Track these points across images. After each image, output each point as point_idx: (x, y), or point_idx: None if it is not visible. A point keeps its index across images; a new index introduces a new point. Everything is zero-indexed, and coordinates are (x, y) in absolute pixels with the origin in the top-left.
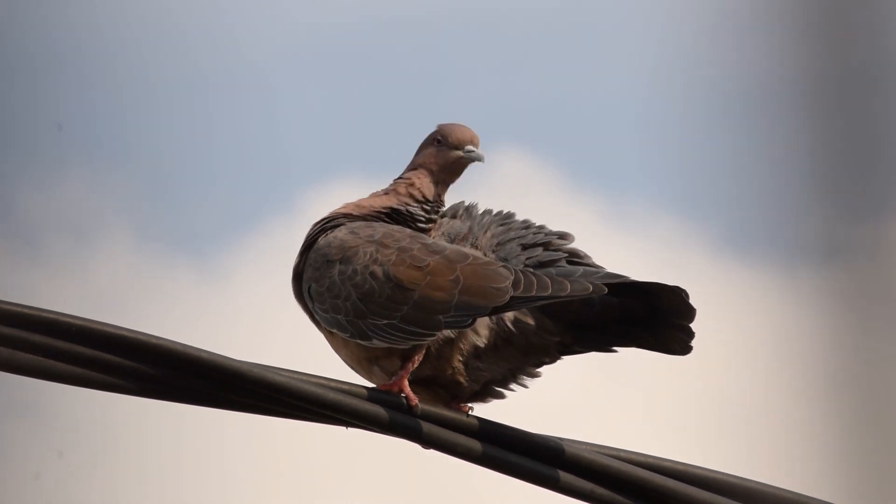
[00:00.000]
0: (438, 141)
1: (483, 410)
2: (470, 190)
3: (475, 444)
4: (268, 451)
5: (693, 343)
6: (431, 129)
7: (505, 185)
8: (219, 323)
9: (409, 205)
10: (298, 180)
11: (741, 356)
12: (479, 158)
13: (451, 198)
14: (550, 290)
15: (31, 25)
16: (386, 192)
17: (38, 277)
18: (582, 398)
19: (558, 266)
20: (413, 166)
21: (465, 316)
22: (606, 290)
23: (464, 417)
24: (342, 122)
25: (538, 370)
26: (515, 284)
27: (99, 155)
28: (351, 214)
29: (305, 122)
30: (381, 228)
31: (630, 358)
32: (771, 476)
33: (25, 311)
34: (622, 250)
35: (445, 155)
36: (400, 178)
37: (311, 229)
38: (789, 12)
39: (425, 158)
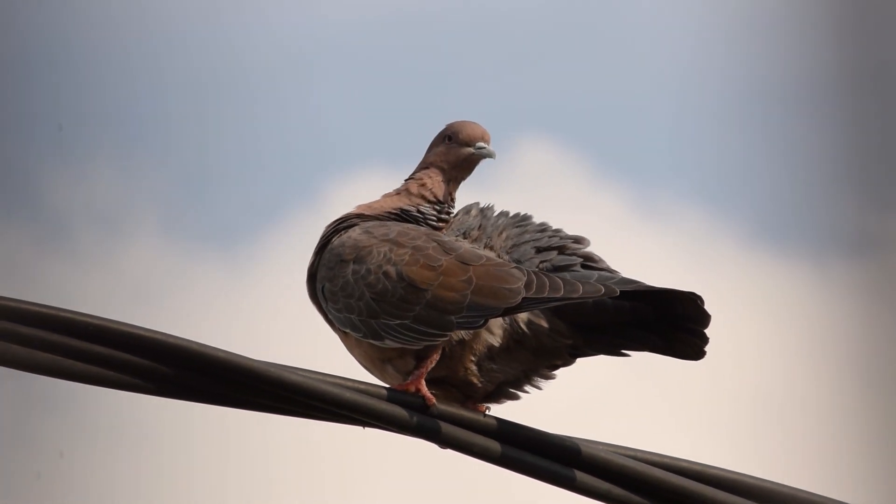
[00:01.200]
0: (449, 138)
1: (499, 410)
2: (494, 182)
3: (492, 444)
4: (283, 450)
5: (706, 348)
6: (453, 120)
7: (530, 176)
8: (244, 316)
9: (421, 205)
10: (322, 172)
11: (769, 351)
12: (490, 155)
13: (474, 195)
14: (562, 292)
15: (61, 14)
16: (398, 193)
17: (65, 268)
18: (599, 398)
19: (573, 270)
20: (424, 165)
21: (477, 317)
22: (618, 291)
23: (481, 417)
24: (366, 113)
25: (552, 372)
26: (528, 286)
27: (126, 146)
28: (364, 215)
29: (330, 113)
30: (395, 227)
31: (648, 355)
32: (790, 476)
33: (44, 310)
34: (650, 242)
35: (456, 152)
36: (411, 177)
37: (326, 230)
38: (823, 5)
39: (436, 157)
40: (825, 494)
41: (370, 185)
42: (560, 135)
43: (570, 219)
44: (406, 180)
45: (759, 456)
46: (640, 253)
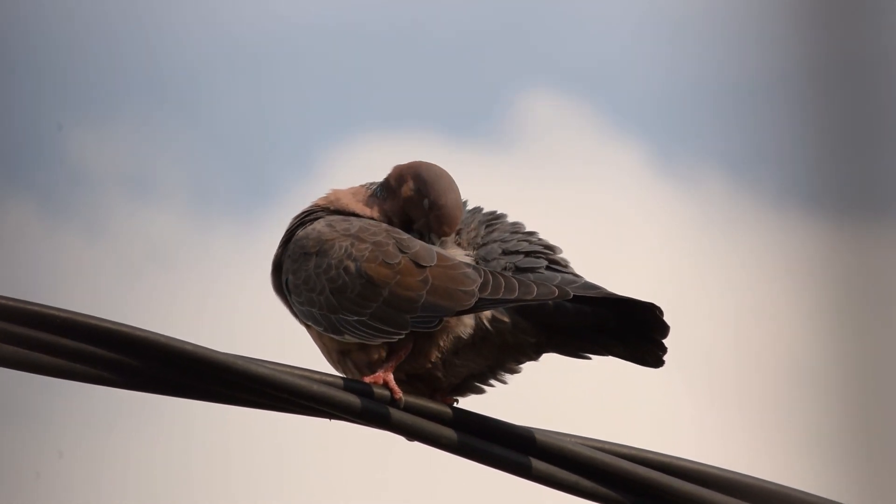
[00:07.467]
0: (421, 194)
1: (468, 403)
2: (506, 137)
3: (460, 436)
4: (263, 445)
5: (665, 357)
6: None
7: (543, 130)
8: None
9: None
10: (317, 141)
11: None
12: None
13: (484, 154)
14: (517, 294)
15: None
16: (370, 206)
17: (82, 232)
18: (566, 389)
19: (538, 273)
20: (394, 201)
21: (431, 317)
22: (571, 294)
23: (447, 410)
24: (363, 80)
25: (517, 367)
26: (483, 287)
27: (149, 111)
28: (328, 208)
29: (326, 82)
30: (357, 222)
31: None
32: (762, 469)
33: (10, 303)
34: (667, 199)
35: (417, 213)
36: (384, 191)
37: (292, 221)
38: None
39: (404, 206)
40: (800, 488)
41: (367, 153)
42: (573, 89)
43: (584, 173)
44: (380, 190)
45: (748, 450)
46: (661, 214)
